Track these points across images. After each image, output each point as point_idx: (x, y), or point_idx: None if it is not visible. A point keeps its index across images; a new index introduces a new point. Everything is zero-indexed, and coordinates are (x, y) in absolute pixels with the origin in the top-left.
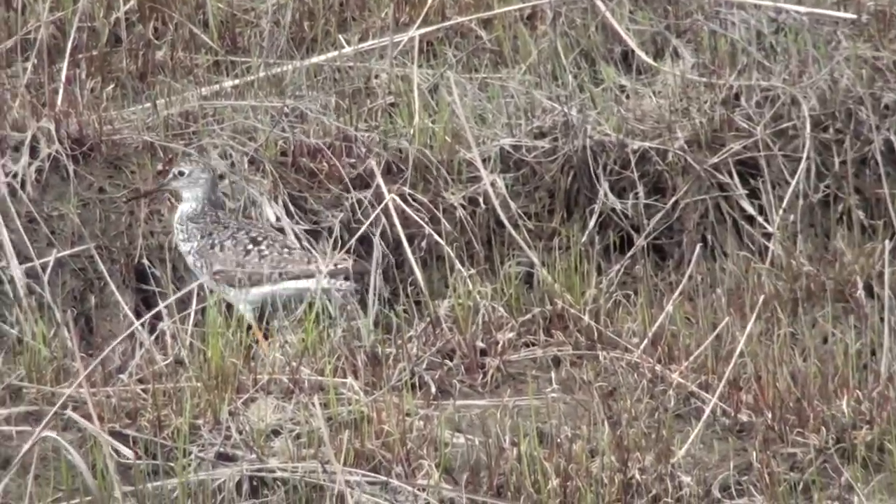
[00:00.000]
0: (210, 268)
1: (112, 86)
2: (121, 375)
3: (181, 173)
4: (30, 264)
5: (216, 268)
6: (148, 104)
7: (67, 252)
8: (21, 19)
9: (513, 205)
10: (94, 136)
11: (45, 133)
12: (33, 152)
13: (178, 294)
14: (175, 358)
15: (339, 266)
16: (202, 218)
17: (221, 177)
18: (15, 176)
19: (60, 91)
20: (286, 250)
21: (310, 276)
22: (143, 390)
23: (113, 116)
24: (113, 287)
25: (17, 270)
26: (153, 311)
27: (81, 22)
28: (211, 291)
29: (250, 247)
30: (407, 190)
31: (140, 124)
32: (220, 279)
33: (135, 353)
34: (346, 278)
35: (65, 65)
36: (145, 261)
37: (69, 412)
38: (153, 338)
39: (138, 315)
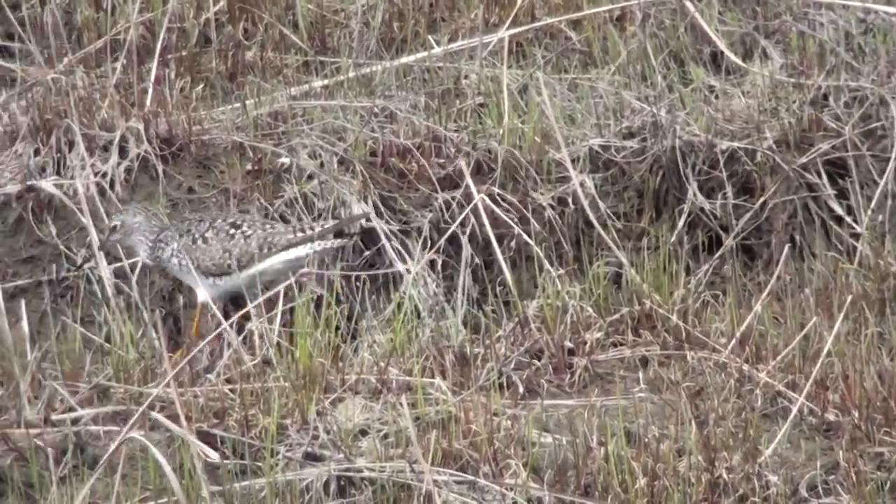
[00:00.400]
0: (196, 263)
1: (201, 86)
2: (208, 375)
3: (114, 228)
4: (118, 264)
5: (206, 262)
6: (237, 104)
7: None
8: (110, 20)
9: (602, 205)
10: (184, 136)
11: (134, 133)
12: (122, 152)
13: (267, 294)
14: (263, 358)
15: (325, 227)
16: (167, 229)
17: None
18: (104, 175)
19: (149, 91)
20: (268, 226)
21: (299, 243)
22: (231, 390)
23: (202, 116)
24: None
25: (105, 270)
26: (241, 312)
27: (171, 23)
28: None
29: (232, 231)
30: (496, 190)
31: (229, 124)
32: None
33: (223, 353)
34: (338, 236)
35: (154, 65)
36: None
37: (155, 413)
38: (241, 338)
39: (226, 315)
